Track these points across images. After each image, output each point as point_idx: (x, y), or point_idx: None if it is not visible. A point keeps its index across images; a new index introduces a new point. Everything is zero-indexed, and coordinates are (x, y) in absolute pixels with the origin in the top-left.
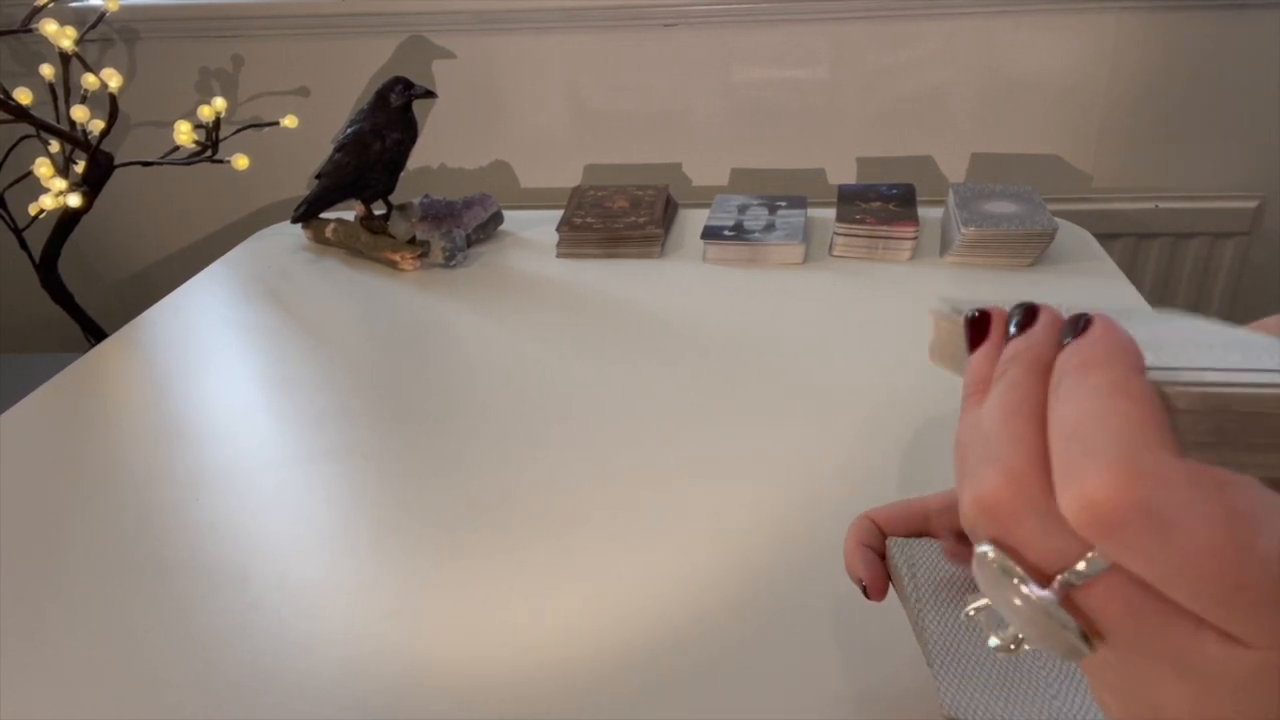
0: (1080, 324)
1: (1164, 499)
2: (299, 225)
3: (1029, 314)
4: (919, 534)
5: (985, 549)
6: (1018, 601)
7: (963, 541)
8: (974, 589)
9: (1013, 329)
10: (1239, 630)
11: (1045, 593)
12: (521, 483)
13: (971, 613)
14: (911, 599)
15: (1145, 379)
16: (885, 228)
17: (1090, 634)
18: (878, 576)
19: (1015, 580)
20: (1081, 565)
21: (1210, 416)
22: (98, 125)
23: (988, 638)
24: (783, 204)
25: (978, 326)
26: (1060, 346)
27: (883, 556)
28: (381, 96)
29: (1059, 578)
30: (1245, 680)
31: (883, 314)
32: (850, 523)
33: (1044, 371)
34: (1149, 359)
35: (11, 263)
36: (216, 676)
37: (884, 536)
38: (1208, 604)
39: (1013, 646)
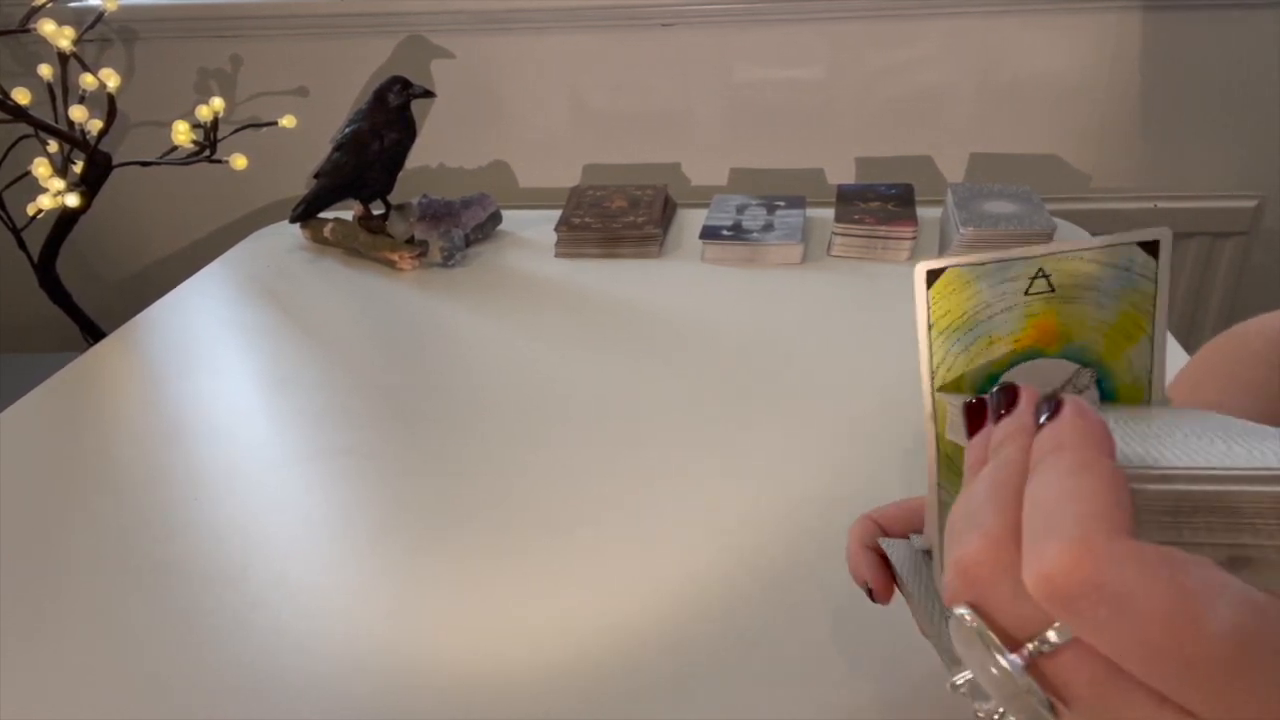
0: (1052, 406)
1: (1114, 576)
2: (297, 225)
3: (1010, 397)
4: (920, 533)
5: (962, 611)
6: (990, 667)
7: None
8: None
9: (1001, 410)
10: (1195, 707)
11: (1013, 658)
12: (520, 482)
13: (956, 684)
14: (915, 597)
15: (1111, 461)
16: (884, 228)
17: (1057, 702)
18: (883, 579)
19: (987, 644)
20: (1051, 634)
21: (1162, 502)
22: (96, 125)
23: (974, 709)
24: (781, 204)
25: (974, 414)
26: (1039, 424)
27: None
28: (380, 96)
29: (1028, 645)
30: None
31: (881, 314)
32: (851, 524)
33: (1029, 451)
34: (1125, 452)
35: (10, 262)
36: (216, 676)
37: (886, 537)
38: (1161, 680)
39: (996, 717)
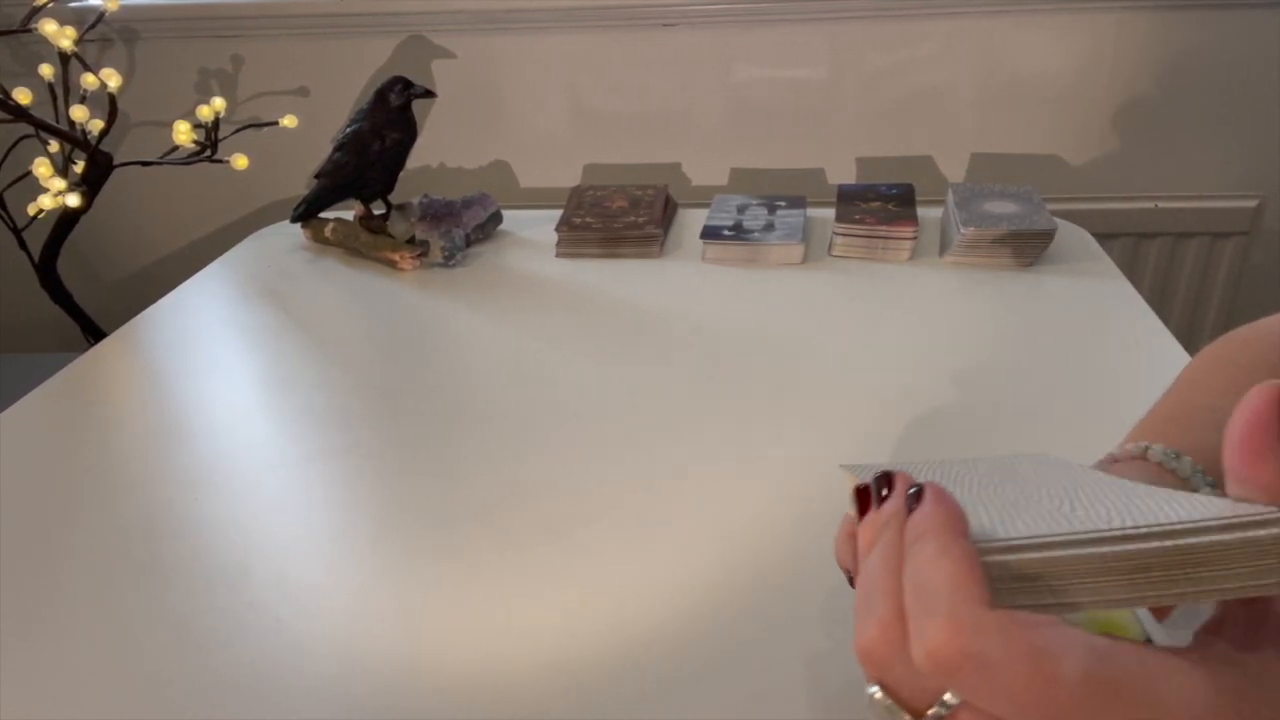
0: (917, 496)
1: (981, 645)
2: (298, 225)
3: (889, 483)
4: None
5: (872, 689)
6: None
7: None
8: None
9: (883, 494)
10: None
11: None
12: (520, 482)
13: None
14: None
15: (966, 543)
16: (885, 228)
17: None
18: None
19: (894, 715)
20: (947, 697)
21: (1010, 570)
22: (97, 125)
23: None
24: (782, 204)
25: (861, 498)
26: (909, 510)
27: None
28: (381, 96)
29: (930, 711)
30: None
31: (882, 314)
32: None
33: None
34: (972, 525)
35: (11, 262)
36: (215, 676)
37: None
38: None
39: None
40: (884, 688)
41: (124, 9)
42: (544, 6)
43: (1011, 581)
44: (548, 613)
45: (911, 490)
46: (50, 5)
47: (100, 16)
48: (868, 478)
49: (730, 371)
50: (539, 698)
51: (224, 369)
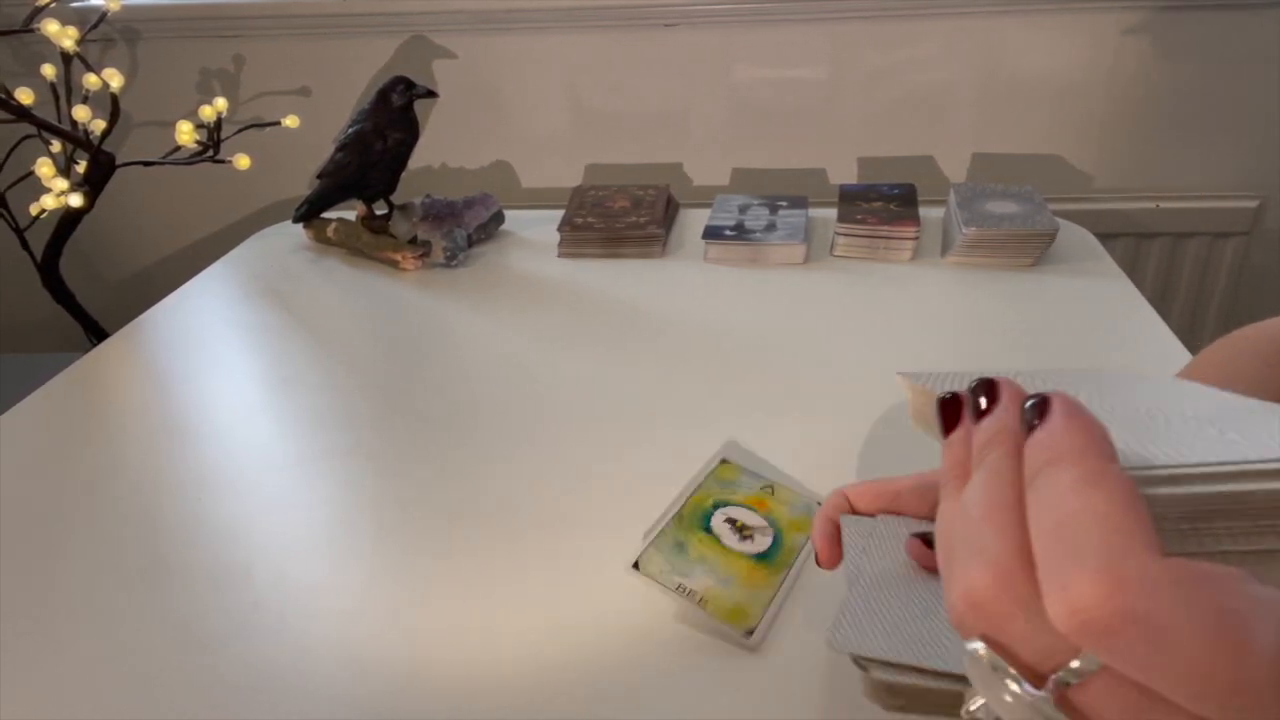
0: (1040, 409)
1: (1151, 605)
2: (300, 225)
3: (990, 393)
4: (888, 512)
5: (976, 646)
6: (1009, 699)
7: (928, 517)
8: (916, 576)
9: (981, 406)
10: None
11: (1039, 692)
12: (522, 482)
13: (971, 710)
14: (850, 565)
15: (1118, 469)
16: (886, 228)
17: None
18: (830, 550)
19: (1008, 679)
20: (1076, 663)
21: (1179, 506)
22: (99, 125)
23: None
24: (784, 204)
25: (949, 410)
26: (1028, 427)
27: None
28: (383, 96)
29: (1053, 676)
30: None
31: (884, 314)
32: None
33: (1020, 456)
34: (1120, 448)
35: (13, 263)
36: (217, 676)
37: (854, 512)
38: (1205, 705)
39: None
40: (991, 644)
41: (126, 9)
42: (544, 6)
43: (1179, 522)
44: (548, 613)
45: (1030, 402)
46: (52, 5)
47: (102, 16)
48: (937, 387)
49: (731, 371)
50: (539, 697)
51: (226, 369)
